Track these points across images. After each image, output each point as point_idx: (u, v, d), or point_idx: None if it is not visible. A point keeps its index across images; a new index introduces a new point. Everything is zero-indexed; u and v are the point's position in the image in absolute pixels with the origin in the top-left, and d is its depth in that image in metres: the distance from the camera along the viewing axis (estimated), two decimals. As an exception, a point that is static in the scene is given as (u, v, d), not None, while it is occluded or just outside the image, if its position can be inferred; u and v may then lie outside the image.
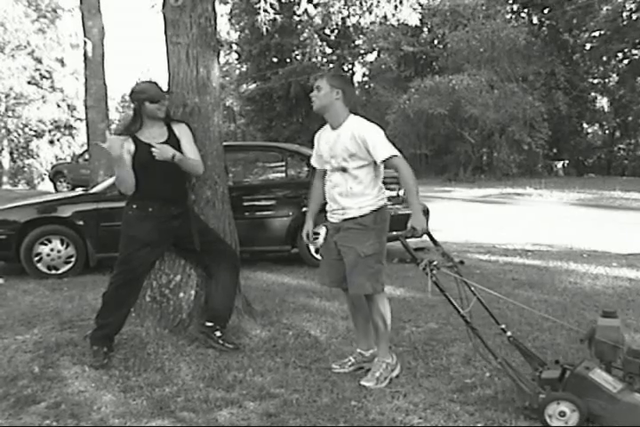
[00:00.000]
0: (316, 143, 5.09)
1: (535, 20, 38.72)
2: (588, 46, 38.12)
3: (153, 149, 5.18)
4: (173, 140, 5.45)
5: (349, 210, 4.76)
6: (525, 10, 38.99)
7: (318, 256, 9.59)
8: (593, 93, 40.32)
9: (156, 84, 5.50)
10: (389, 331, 5.00)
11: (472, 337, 4.58)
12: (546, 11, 37.96)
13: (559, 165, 37.05)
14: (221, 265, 5.68)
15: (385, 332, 4.92)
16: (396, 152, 4.67)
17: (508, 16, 37.16)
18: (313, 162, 5.19)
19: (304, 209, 9.61)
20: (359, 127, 4.73)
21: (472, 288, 4.92)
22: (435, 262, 4.63)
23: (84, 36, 16.56)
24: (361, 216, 4.74)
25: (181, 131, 5.49)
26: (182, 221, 5.48)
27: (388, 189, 9.78)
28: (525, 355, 4.59)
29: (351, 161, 4.69)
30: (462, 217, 16.93)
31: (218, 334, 5.59)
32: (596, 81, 39.92)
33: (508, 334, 4.63)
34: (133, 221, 5.35)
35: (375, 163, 4.73)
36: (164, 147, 5.24)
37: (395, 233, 9.12)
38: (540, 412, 4.00)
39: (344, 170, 4.74)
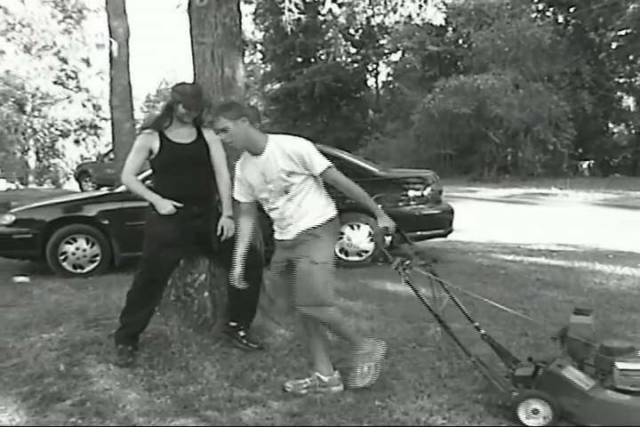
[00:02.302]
0: (239, 174, 4.84)
1: (561, 19, 38.46)
2: (614, 45, 37.76)
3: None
4: (201, 144, 5.46)
5: (303, 223, 4.61)
6: (551, 9, 38.71)
7: (343, 256, 9.61)
8: (619, 93, 39.95)
9: (199, 90, 5.49)
10: (350, 335, 4.81)
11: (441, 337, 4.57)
12: (572, 9, 37.67)
13: (584, 164, 36.81)
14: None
15: (350, 337, 4.80)
16: (330, 163, 4.66)
17: (534, 15, 36.93)
18: (236, 195, 4.95)
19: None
20: (289, 144, 4.58)
21: (446, 287, 4.99)
22: (407, 262, 4.60)
23: (110, 36, 16.65)
24: (314, 227, 4.60)
25: (212, 136, 5.40)
26: (204, 221, 5.47)
27: (412, 189, 9.90)
28: (499, 353, 4.59)
29: (291, 178, 4.55)
30: (487, 217, 16.86)
31: (241, 333, 5.59)
32: (622, 80, 39.54)
33: (482, 331, 4.65)
34: (156, 220, 5.35)
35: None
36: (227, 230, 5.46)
37: (420, 233, 9.12)
38: (512, 410, 4.03)
39: (286, 192, 4.59)
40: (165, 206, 5.24)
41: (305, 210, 4.61)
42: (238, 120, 4.53)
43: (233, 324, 5.63)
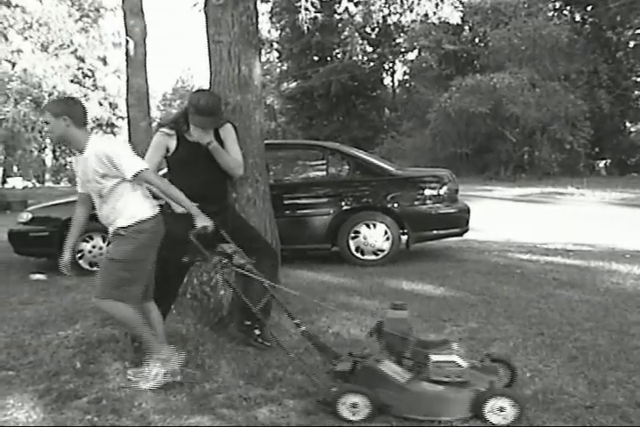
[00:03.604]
0: (75, 166, 4.96)
1: (578, 18, 38.40)
2: (631, 44, 37.66)
3: (191, 131, 5.31)
4: (218, 142, 5.47)
5: (117, 223, 4.65)
6: (568, 7, 38.65)
7: (359, 255, 9.61)
8: (636, 92, 39.82)
9: (214, 107, 5.32)
10: (144, 329, 4.79)
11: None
12: (589, 8, 37.61)
13: (601, 164, 36.72)
14: (259, 264, 5.66)
15: (144, 339, 4.82)
16: (145, 166, 4.59)
17: (551, 14, 36.89)
18: (78, 187, 5.04)
19: (345, 207, 9.63)
20: (101, 147, 4.57)
21: (266, 285, 4.96)
22: (225, 261, 4.64)
23: (126, 35, 16.67)
24: (123, 227, 4.61)
25: (225, 132, 5.46)
26: (219, 220, 5.39)
27: (428, 188, 9.89)
28: (320, 349, 4.65)
29: (105, 181, 4.56)
30: (503, 216, 16.82)
31: (257, 332, 5.59)
32: (639, 79, 39.45)
33: (303, 328, 4.70)
34: (170, 218, 5.34)
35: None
36: (204, 134, 5.33)
37: (436, 232, 9.13)
38: (332, 405, 4.10)
39: (100, 195, 4.64)
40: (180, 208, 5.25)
41: (119, 212, 4.65)
42: (59, 118, 4.57)
43: (248, 322, 5.63)
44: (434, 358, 4.11)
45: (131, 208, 4.64)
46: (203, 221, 4.79)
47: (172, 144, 5.37)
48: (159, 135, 5.40)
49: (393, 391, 4.08)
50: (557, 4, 38.62)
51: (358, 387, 4.12)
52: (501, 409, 3.97)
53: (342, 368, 4.34)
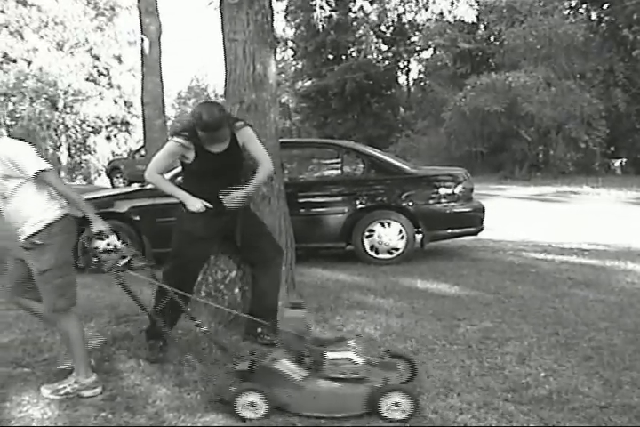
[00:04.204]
0: None
1: (594, 16, 38.18)
2: (648, 42, 37.52)
3: (224, 201, 5.23)
4: (235, 150, 5.36)
5: (25, 229, 4.55)
6: (584, 5, 38.44)
7: (373, 253, 9.61)
8: (653, 91, 39.67)
9: (216, 123, 5.07)
10: (83, 350, 4.71)
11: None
12: (605, 6, 37.38)
13: (617, 163, 36.49)
14: (264, 263, 5.64)
15: (77, 351, 4.69)
16: (45, 166, 4.52)
17: (566, 12, 36.71)
18: None
19: (359, 206, 9.63)
20: (3, 148, 4.53)
21: (164, 288, 4.99)
22: (120, 264, 4.69)
23: (142, 33, 16.77)
24: (33, 234, 4.53)
25: (244, 136, 5.36)
26: (231, 216, 5.43)
27: (443, 186, 9.88)
28: (222, 349, 4.73)
29: (8, 183, 4.49)
30: (518, 215, 16.78)
31: (258, 330, 5.57)
32: (656, 78, 39.27)
33: (204, 328, 4.76)
34: (187, 216, 5.33)
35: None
36: (231, 196, 5.24)
37: (451, 231, 9.15)
38: (231, 404, 4.16)
39: (3, 197, 4.54)
40: (195, 204, 5.23)
41: (26, 215, 4.55)
42: None
43: (252, 323, 5.62)
44: (329, 355, 4.21)
45: (36, 212, 4.55)
46: (99, 226, 4.81)
47: (190, 155, 5.25)
48: (176, 146, 5.24)
49: (289, 389, 4.18)
50: (573, 3, 38.43)
51: (255, 385, 4.22)
52: (396, 404, 4.07)
53: (242, 368, 4.44)
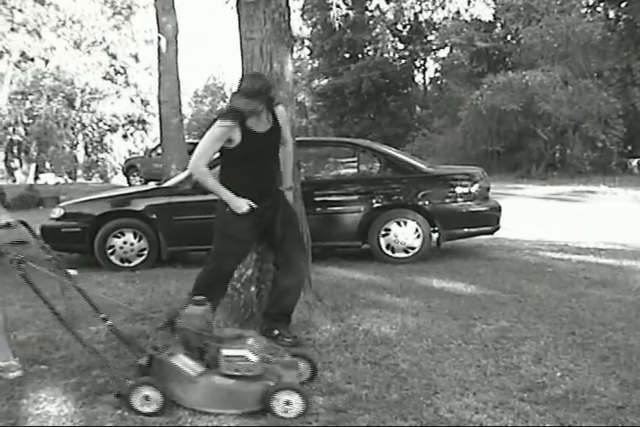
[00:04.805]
0: None
1: (611, 15, 38.00)
2: (666, 41, 37.33)
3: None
4: (276, 130, 5.38)
5: None
6: (601, 4, 38.26)
7: (389, 252, 9.60)
8: (671, 90, 39.47)
9: (256, 84, 5.12)
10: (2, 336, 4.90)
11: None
12: (623, 4, 37.21)
13: (634, 162, 36.30)
14: (290, 263, 5.63)
15: None
16: None
17: (584, 11, 36.58)
18: None
19: (376, 205, 9.63)
20: None
21: (67, 284, 4.95)
22: (22, 256, 4.53)
23: (158, 32, 16.81)
24: None
25: (282, 116, 5.42)
26: (272, 212, 5.45)
27: (460, 185, 9.87)
28: (126, 343, 4.75)
29: None
30: (534, 215, 16.73)
31: (275, 332, 5.56)
32: (673, 77, 39.07)
33: (109, 322, 4.77)
34: (231, 218, 5.29)
35: None
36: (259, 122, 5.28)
37: (467, 230, 9.13)
38: (126, 398, 4.21)
39: None
40: (241, 207, 5.22)
41: None
42: None
43: (269, 325, 5.62)
44: (225, 352, 4.25)
45: None
46: (6, 218, 4.83)
47: (236, 136, 5.20)
48: (221, 129, 5.16)
49: (184, 384, 4.25)
50: (591, 1, 38.26)
51: (149, 380, 4.27)
52: (287, 403, 4.12)
53: (142, 362, 4.47)
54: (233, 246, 5.38)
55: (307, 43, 51.41)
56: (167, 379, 4.25)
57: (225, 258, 5.43)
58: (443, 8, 34.95)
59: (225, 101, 65.52)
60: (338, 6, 34.68)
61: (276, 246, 5.65)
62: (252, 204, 5.26)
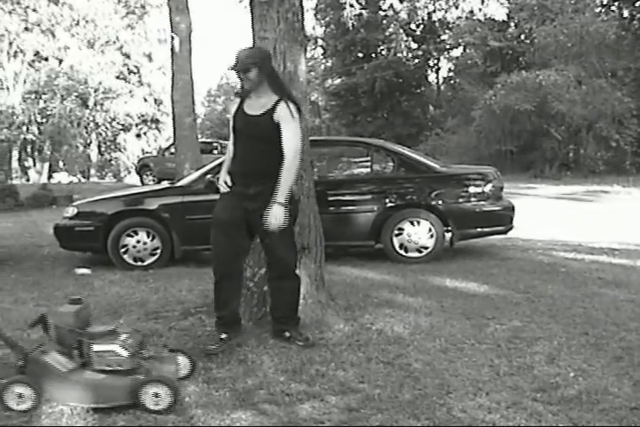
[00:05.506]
0: None
1: (626, 14, 37.88)
2: (680, 41, 37.18)
3: (265, 225, 5.14)
4: (267, 118, 5.19)
5: None
6: (616, 3, 38.13)
7: (402, 252, 9.59)
8: (685, 89, 39.32)
9: (240, 55, 5.21)
10: None
11: None
12: (638, 4, 37.10)
13: (648, 162, 36.29)
14: (274, 276, 5.61)
15: None
16: None
17: (598, 10, 36.45)
18: None
19: (389, 204, 9.62)
20: None
21: None
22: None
23: (172, 31, 16.84)
24: None
25: (282, 114, 5.17)
26: (258, 204, 5.22)
27: (473, 185, 9.85)
28: (10, 345, 4.69)
29: None
30: (548, 214, 16.70)
31: (287, 334, 5.55)
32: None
33: None
34: (217, 200, 5.46)
35: None
36: (271, 218, 5.12)
37: (480, 230, 9.12)
38: (0, 396, 4.25)
39: None
40: (221, 183, 5.36)
41: None
42: None
43: (278, 327, 5.62)
44: (95, 347, 4.33)
45: None
46: None
47: (232, 110, 5.38)
48: (228, 101, 5.33)
49: (56, 381, 4.29)
50: (605, 0, 38.16)
51: (22, 378, 4.34)
52: (156, 395, 4.20)
53: (19, 362, 4.50)
54: (214, 231, 5.38)
55: (320, 42, 51.40)
56: (40, 376, 4.32)
57: (214, 246, 5.46)
58: (456, 7, 34.95)
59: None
60: (351, 6, 34.73)
61: (263, 246, 5.58)
62: (228, 181, 5.32)
